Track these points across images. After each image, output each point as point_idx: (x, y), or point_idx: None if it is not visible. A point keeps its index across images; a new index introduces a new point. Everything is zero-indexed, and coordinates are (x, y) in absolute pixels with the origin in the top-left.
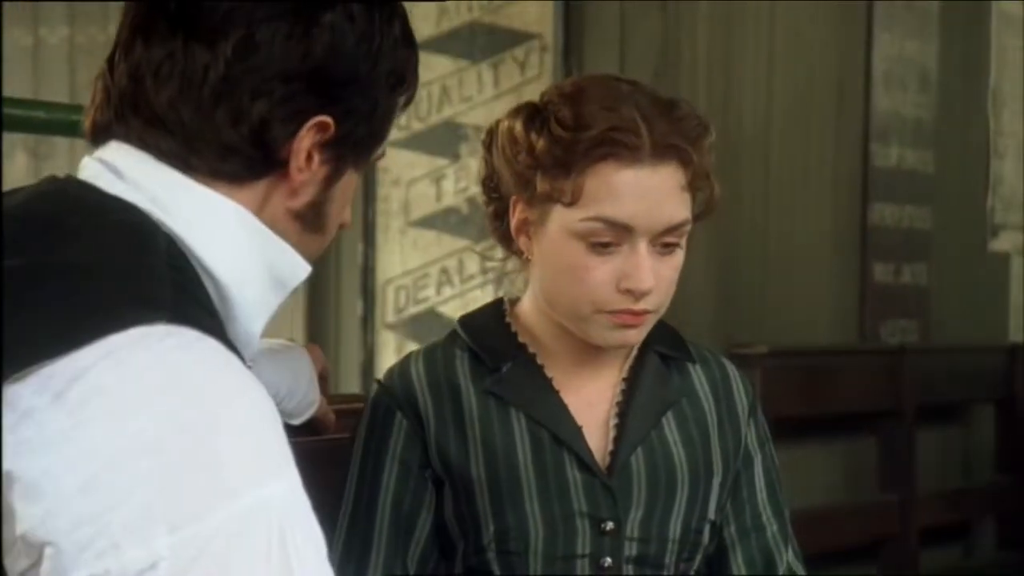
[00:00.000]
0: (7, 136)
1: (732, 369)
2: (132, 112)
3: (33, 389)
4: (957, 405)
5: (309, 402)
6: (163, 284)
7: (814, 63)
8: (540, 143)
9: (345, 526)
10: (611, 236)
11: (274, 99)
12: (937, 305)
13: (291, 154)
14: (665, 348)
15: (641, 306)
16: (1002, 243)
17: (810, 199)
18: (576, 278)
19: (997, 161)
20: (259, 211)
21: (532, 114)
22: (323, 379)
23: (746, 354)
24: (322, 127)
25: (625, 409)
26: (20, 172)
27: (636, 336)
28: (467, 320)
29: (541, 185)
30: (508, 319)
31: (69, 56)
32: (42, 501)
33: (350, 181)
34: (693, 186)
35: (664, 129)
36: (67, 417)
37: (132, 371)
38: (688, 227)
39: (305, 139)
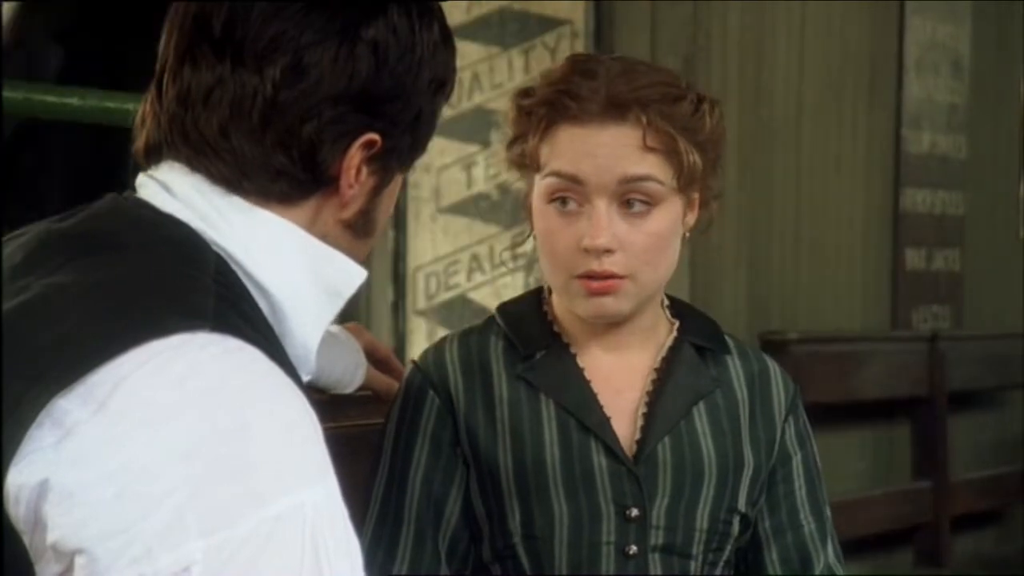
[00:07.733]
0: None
1: (774, 366)
2: (182, 140)
3: (79, 402)
4: (989, 391)
5: (352, 374)
6: (207, 295)
7: (846, 49)
8: (511, 116)
9: (378, 503)
10: (569, 192)
11: (323, 121)
12: (969, 291)
13: (341, 172)
14: (700, 339)
15: (605, 267)
16: None
17: (842, 185)
18: (549, 243)
19: None
20: (310, 226)
21: (517, 94)
22: (376, 357)
23: (777, 341)
24: (370, 143)
25: (655, 399)
26: None
27: (613, 305)
28: (505, 307)
29: (509, 155)
30: (545, 307)
31: None
32: (76, 511)
33: (396, 183)
34: (659, 148)
35: (619, 90)
36: (106, 429)
37: (171, 378)
38: (653, 186)
39: (354, 157)
